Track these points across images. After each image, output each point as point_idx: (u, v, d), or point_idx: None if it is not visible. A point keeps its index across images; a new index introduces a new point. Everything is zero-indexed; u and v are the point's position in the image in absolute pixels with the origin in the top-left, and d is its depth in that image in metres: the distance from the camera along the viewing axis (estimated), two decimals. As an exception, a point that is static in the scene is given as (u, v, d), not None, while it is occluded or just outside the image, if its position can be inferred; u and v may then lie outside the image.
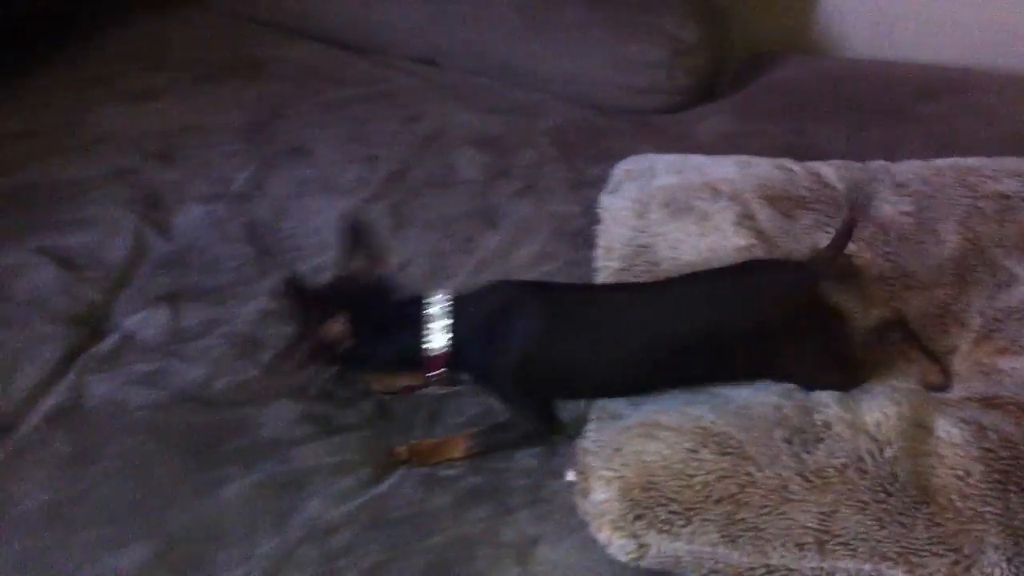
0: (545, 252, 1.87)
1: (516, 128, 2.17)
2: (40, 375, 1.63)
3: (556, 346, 1.46)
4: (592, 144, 2.12)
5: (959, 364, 1.57)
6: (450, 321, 1.46)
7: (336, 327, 1.44)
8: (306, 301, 1.48)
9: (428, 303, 1.48)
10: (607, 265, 1.75)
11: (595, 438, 1.45)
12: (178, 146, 2.08)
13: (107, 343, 1.69)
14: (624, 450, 1.41)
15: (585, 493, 1.40)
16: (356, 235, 1.54)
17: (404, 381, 1.56)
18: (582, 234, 1.88)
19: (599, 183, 1.95)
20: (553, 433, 1.52)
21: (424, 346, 1.46)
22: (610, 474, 1.39)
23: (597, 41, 2.27)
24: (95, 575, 1.39)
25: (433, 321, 1.46)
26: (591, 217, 1.89)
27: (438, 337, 1.46)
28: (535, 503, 1.46)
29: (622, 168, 1.95)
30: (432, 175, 2.04)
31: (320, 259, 1.82)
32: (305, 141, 2.12)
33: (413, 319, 1.47)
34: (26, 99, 2.18)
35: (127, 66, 2.29)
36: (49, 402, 1.59)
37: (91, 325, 1.72)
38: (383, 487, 1.48)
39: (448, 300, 1.48)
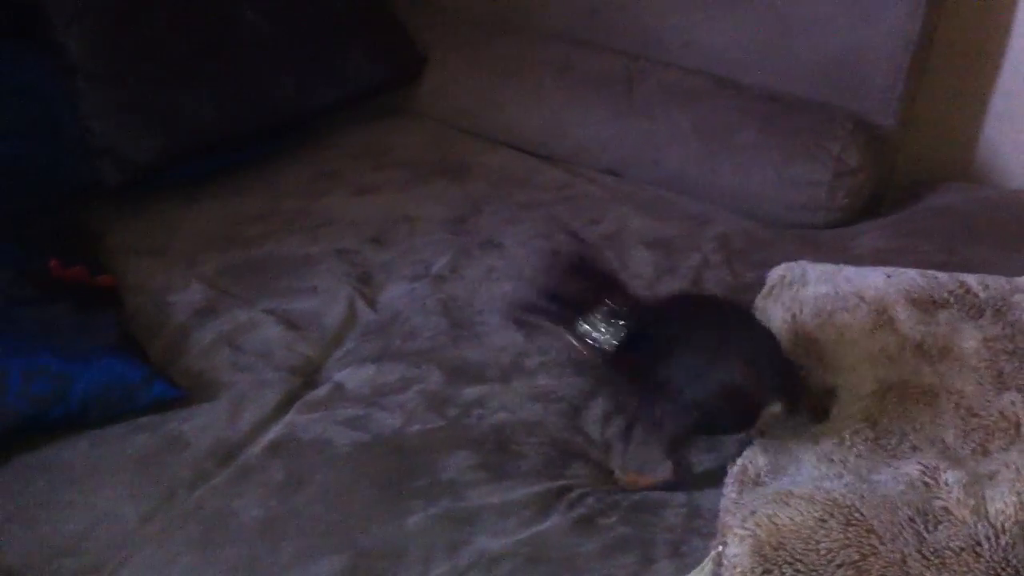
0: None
1: (686, 233, 2.39)
2: (263, 413, 1.89)
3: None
4: (754, 252, 2.32)
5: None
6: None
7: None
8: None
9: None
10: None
11: (735, 499, 1.62)
12: (390, 233, 2.37)
13: (320, 391, 1.94)
14: (759, 512, 1.56)
15: (716, 546, 1.56)
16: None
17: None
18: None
19: (756, 287, 2.14)
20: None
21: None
22: (744, 532, 1.55)
23: (766, 160, 2.48)
24: (295, 581, 1.63)
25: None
26: (747, 317, 2.09)
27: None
28: (676, 556, 1.63)
29: (777, 274, 2.12)
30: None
31: (501, 334, 2.07)
32: (497, 235, 2.38)
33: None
34: (269, 185, 2.52)
35: (353, 163, 2.61)
36: (269, 436, 1.85)
37: (307, 376, 1.98)
38: (542, 528, 1.68)
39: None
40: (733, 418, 1.72)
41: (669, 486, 1.74)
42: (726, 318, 1.79)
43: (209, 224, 2.39)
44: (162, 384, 1.89)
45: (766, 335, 1.76)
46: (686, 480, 1.73)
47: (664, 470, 1.75)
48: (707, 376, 1.68)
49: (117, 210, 2.40)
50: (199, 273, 2.23)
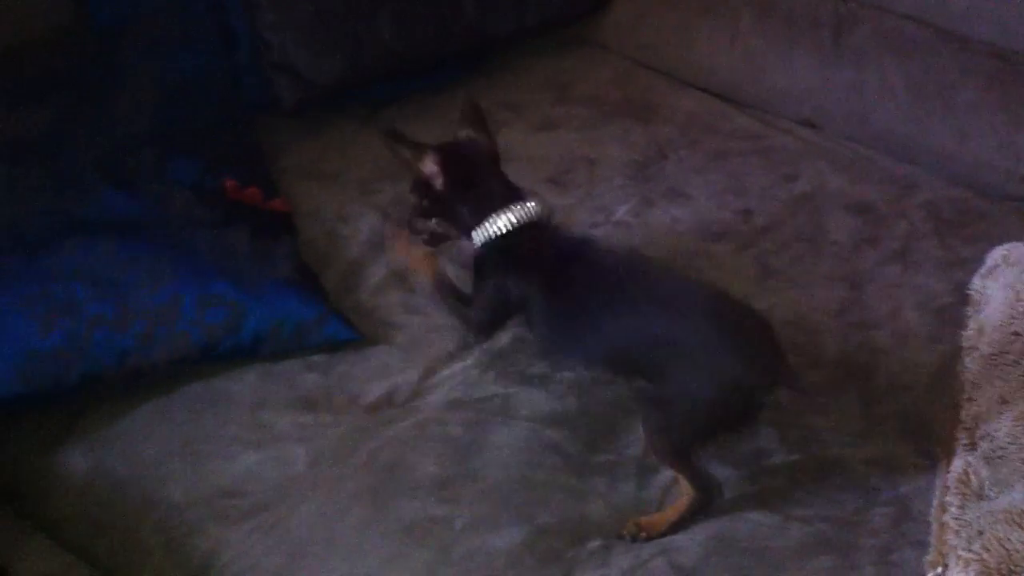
0: (905, 322, 1.91)
1: (890, 198, 2.19)
2: (437, 361, 1.82)
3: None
4: (968, 224, 2.12)
5: None
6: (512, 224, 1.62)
7: (428, 162, 1.62)
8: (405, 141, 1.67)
9: (522, 202, 1.63)
10: (976, 346, 1.77)
11: (957, 515, 1.47)
12: (570, 174, 2.24)
13: (499, 342, 1.84)
14: (987, 534, 1.42)
15: (935, 566, 1.43)
16: (472, 113, 1.75)
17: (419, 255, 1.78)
18: (946, 312, 1.91)
19: (970, 264, 1.96)
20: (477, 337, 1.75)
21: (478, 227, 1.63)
22: (970, 556, 1.40)
23: (987, 124, 2.25)
24: (469, 549, 1.54)
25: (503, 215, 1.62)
26: (958, 296, 1.91)
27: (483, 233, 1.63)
28: (881, 564, 1.51)
29: (1000, 252, 1.94)
30: (802, 233, 2.10)
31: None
32: (684, 184, 2.22)
33: (495, 201, 1.63)
34: (448, 114, 2.37)
35: (534, 97, 2.47)
36: (444, 387, 1.77)
37: (482, 323, 1.89)
38: (732, 517, 1.57)
39: (536, 210, 1.63)
40: (738, 415, 1.55)
41: (698, 506, 1.56)
42: (703, 298, 1.58)
43: (385, 151, 2.28)
44: (337, 323, 1.82)
45: (744, 312, 1.57)
46: (710, 492, 1.55)
47: (682, 496, 1.57)
48: (709, 373, 1.49)
49: (292, 130, 2.32)
50: (373, 203, 2.14)
